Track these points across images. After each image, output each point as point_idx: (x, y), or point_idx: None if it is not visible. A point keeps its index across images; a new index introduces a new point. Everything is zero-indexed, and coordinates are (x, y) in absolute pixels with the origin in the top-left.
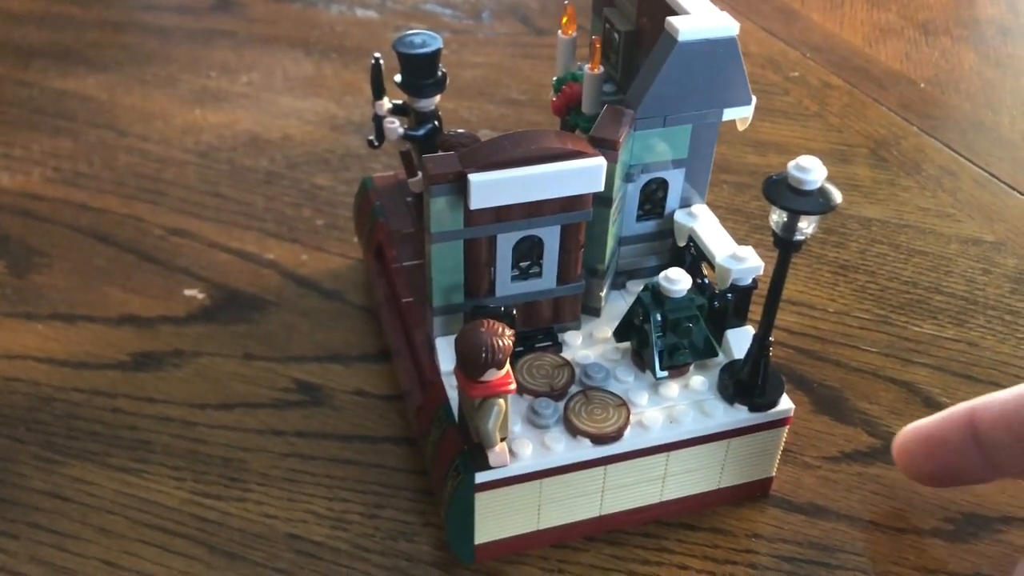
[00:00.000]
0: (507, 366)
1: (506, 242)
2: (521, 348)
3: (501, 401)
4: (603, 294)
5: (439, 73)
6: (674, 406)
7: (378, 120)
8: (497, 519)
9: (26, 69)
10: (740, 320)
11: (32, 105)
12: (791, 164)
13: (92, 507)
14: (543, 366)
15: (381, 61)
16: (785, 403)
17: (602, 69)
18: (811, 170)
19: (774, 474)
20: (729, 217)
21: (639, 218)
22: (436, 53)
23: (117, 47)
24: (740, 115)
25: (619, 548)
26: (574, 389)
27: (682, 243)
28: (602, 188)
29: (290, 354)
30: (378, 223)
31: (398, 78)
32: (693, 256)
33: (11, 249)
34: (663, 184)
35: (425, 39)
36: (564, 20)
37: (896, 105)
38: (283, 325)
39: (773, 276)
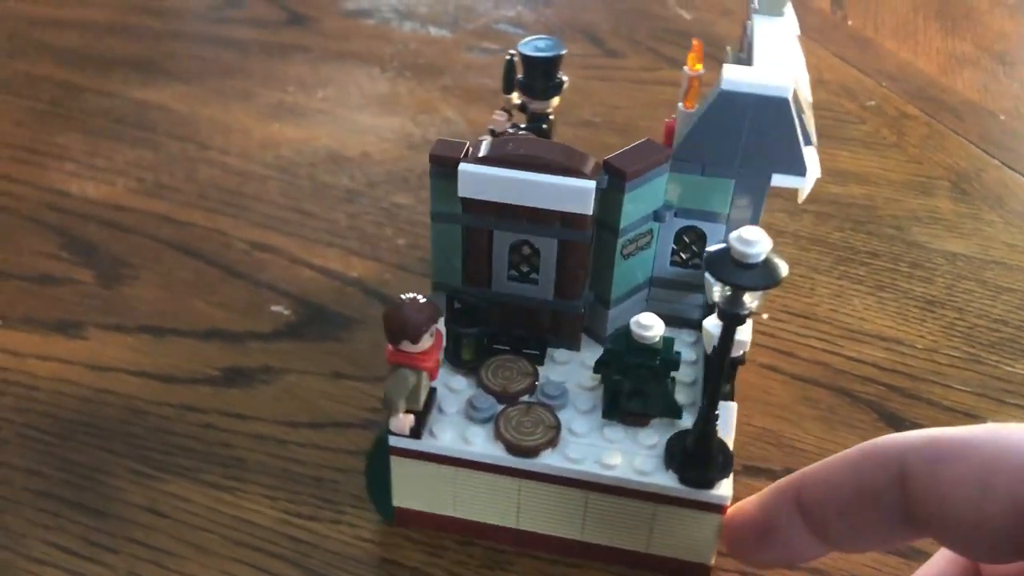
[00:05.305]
0: (429, 345)
1: (502, 240)
2: (507, 348)
3: (409, 373)
4: (609, 324)
5: (558, 78)
6: (607, 448)
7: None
8: (414, 489)
9: (107, 79)
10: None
11: (114, 115)
12: (733, 235)
13: (188, 524)
14: (509, 369)
15: (515, 58)
16: (724, 488)
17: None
18: (756, 243)
19: (712, 564)
20: (812, 247)
21: (674, 263)
22: (558, 58)
23: (194, 59)
24: (794, 184)
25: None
26: (527, 399)
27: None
28: (590, 212)
29: (378, 374)
30: None
31: (519, 79)
32: None
33: (98, 259)
34: (701, 236)
35: (549, 44)
36: (691, 56)
37: (976, 137)
38: (370, 344)
39: (718, 348)
